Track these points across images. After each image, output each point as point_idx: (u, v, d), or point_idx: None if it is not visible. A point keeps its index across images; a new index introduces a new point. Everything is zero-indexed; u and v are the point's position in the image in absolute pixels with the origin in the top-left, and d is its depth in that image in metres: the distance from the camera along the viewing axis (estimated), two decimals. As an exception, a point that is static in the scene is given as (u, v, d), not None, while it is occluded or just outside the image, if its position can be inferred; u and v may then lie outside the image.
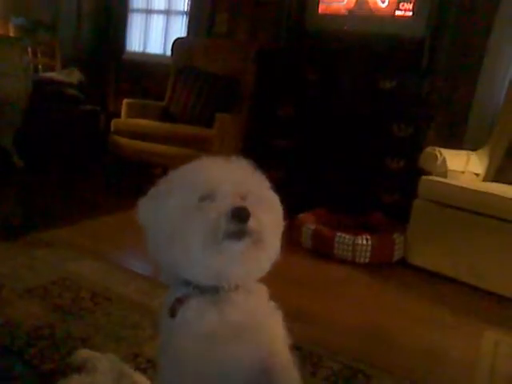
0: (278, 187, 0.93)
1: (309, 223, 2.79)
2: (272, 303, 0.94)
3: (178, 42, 4.14)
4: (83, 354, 1.37)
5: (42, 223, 2.66)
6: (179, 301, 0.87)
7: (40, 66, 4.39)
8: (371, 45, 3.20)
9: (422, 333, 1.95)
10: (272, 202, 0.92)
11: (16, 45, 3.80)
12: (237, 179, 0.86)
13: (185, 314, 0.86)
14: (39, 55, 4.39)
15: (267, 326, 0.89)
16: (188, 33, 4.38)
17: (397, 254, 2.65)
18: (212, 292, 0.86)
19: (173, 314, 0.87)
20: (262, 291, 0.93)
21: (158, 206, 0.85)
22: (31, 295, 1.83)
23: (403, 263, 2.67)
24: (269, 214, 0.87)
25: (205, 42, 4.13)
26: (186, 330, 0.85)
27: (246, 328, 0.86)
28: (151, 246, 0.88)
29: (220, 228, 0.79)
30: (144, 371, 1.40)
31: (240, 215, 0.79)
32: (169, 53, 4.25)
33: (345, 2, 3.40)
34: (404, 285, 2.46)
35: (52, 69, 4.44)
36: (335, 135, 3.27)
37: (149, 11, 4.78)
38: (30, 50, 4.21)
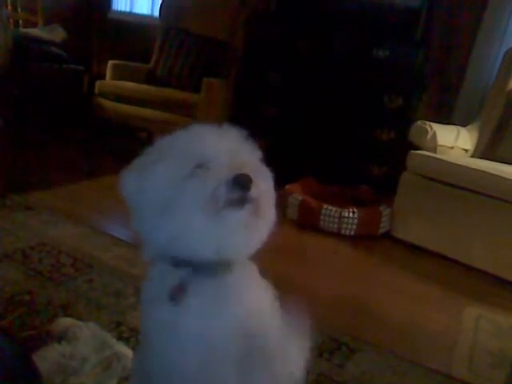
0: (266, 156, 0.89)
1: (296, 193, 2.76)
2: (264, 282, 0.91)
3: (166, 2, 3.99)
4: (64, 322, 1.34)
5: (22, 186, 2.57)
6: (180, 288, 0.81)
7: (20, 22, 4.19)
8: (365, 12, 3.11)
9: (405, 306, 1.96)
10: (265, 173, 0.88)
11: (-6, -3, 3.63)
12: (232, 150, 0.81)
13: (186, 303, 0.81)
14: (19, 10, 4.19)
15: (264, 316, 0.87)
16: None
17: (382, 227, 2.65)
18: (209, 272, 0.82)
19: (173, 300, 0.81)
20: (254, 271, 0.90)
21: (146, 176, 0.79)
22: (10, 260, 1.78)
23: (388, 236, 2.66)
24: (265, 183, 0.83)
25: (194, 2, 3.97)
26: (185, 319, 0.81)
27: (243, 319, 0.82)
28: (136, 221, 0.82)
29: (221, 196, 0.75)
30: (126, 340, 1.38)
31: (243, 182, 0.75)
32: (157, 13, 4.11)
33: (340, -33, 3.28)
34: (388, 258, 2.47)
35: (33, 25, 4.25)
36: (325, 104, 3.21)
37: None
38: (9, 3, 4.01)
